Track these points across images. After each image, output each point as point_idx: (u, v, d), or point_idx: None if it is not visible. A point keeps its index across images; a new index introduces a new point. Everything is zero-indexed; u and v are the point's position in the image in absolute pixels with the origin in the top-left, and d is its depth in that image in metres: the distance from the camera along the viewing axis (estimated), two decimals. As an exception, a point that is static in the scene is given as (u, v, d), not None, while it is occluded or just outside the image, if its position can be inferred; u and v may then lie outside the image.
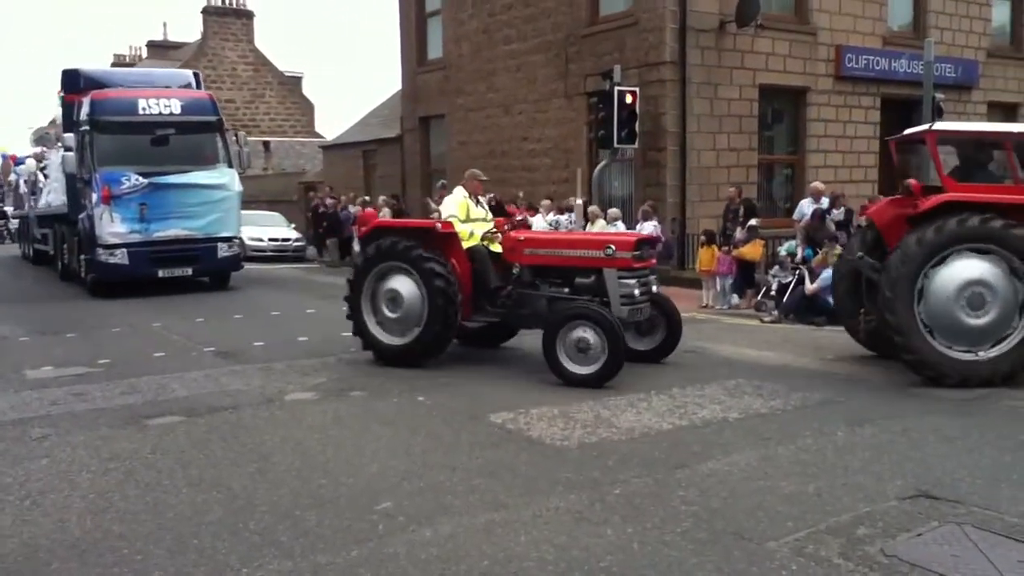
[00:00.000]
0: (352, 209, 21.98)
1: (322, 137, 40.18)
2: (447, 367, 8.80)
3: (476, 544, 4.27)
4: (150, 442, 6.15)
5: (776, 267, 12.81)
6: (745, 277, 13.20)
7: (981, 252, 7.88)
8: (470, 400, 7.34)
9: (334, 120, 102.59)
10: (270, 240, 24.40)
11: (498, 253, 8.95)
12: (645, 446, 5.95)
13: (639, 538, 4.33)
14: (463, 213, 9.16)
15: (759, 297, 12.89)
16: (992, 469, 5.35)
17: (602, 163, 15.90)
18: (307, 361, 9.10)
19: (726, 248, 13.37)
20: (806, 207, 14.02)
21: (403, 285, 8.68)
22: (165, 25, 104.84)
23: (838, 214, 13.54)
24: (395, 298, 8.72)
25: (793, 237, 13.50)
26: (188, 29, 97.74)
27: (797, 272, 12.22)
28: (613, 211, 14.82)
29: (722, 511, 4.69)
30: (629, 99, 14.89)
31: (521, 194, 17.55)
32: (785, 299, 12.02)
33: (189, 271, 15.91)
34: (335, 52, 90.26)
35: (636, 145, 15.19)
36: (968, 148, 9.17)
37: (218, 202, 15.75)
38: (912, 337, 7.90)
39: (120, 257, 15.06)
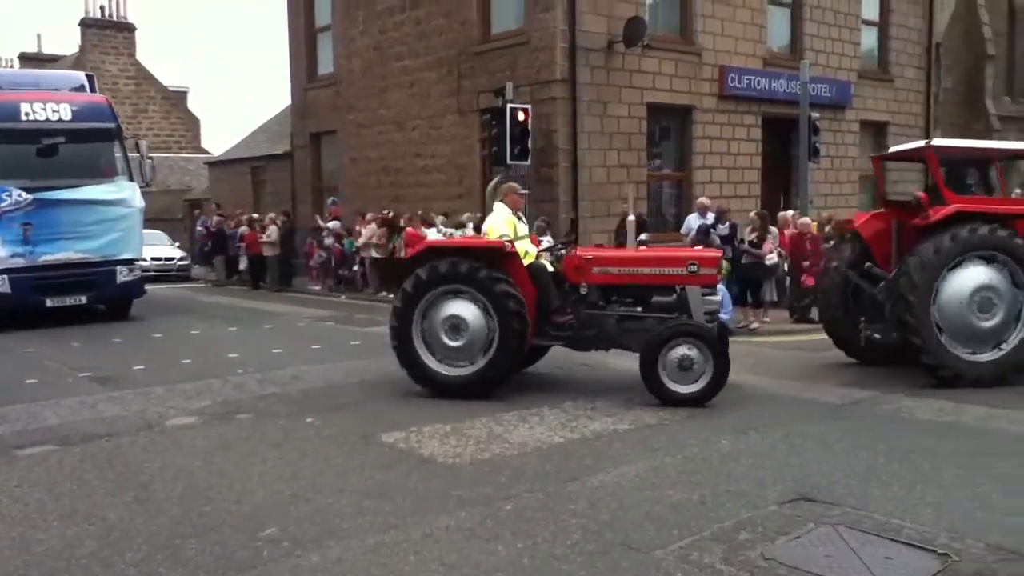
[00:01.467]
0: (241, 229, 21.47)
1: (208, 153, 39.10)
2: (339, 387, 8.65)
3: (364, 566, 4.19)
4: (17, 474, 5.81)
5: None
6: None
7: (987, 259, 8.48)
8: (362, 420, 7.21)
9: (221, 136, 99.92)
10: (152, 259, 23.53)
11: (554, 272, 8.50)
12: (537, 460, 5.97)
13: (529, 553, 4.33)
14: (512, 231, 8.53)
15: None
16: (865, 471, 5.59)
17: (495, 180, 15.97)
18: (190, 384, 8.79)
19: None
20: (693, 222, 14.45)
21: (465, 310, 7.91)
22: (39, 37, 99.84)
23: (723, 228, 13.96)
24: (457, 325, 7.91)
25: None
26: (65, 42, 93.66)
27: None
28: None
29: (611, 522, 4.74)
30: (521, 116, 15.04)
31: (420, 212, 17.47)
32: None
33: (83, 299, 14.03)
34: (222, 66, 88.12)
35: (529, 162, 15.34)
36: (960, 163, 9.77)
37: (117, 220, 14.12)
38: (930, 340, 8.34)
39: (0, 285, 13.36)
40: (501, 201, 8.85)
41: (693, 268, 8.10)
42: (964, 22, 26.96)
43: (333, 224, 19.86)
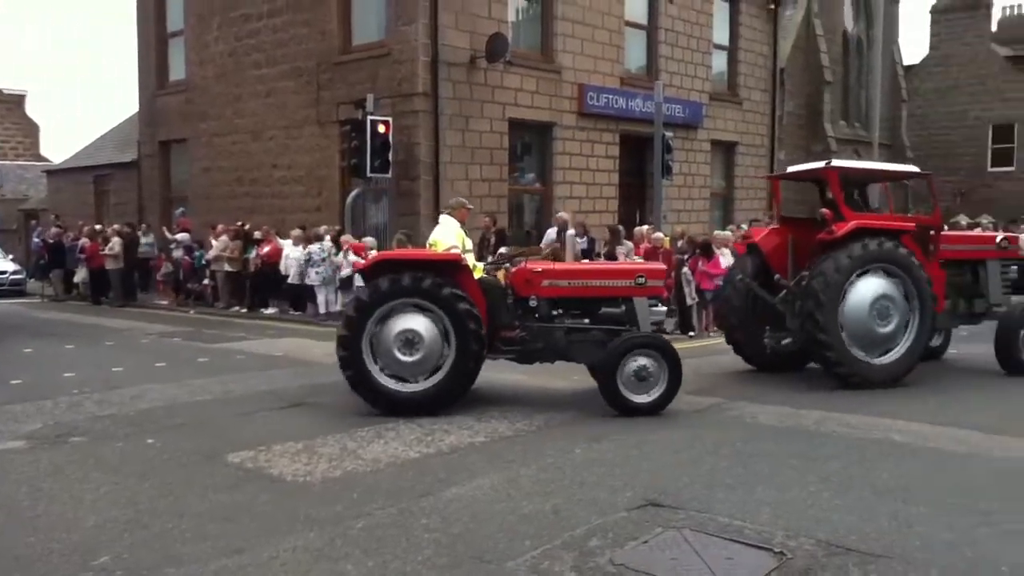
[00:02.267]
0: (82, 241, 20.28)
1: (48, 161, 36.86)
2: (184, 406, 8.25)
3: (202, 593, 3.98)
4: None
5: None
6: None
7: (884, 271, 9.20)
8: (207, 440, 6.90)
9: (63, 143, 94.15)
10: (-18, 273, 21.99)
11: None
12: (391, 476, 5.87)
13: (380, 571, 4.23)
14: (461, 244, 8.47)
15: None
16: (710, 475, 5.79)
17: (354, 192, 15.75)
18: (19, 406, 8.17)
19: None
20: (552, 236, 14.66)
21: (419, 324, 7.69)
22: None
23: (582, 242, 14.27)
24: (412, 340, 7.66)
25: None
26: None
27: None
28: (368, 240, 14.71)
29: (464, 535, 4.70)
30: (382, 129, 14.88)
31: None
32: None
33: None
34: (66, 70, 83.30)
35: (390, 175, 15.19)
36: (854, 182, 10.39)
37: None
38: (836, 342, 8.94)
39: None
40: (449, 215, 8.82)
41: (641, 280, 8.28)
42: (805, 50, 28.64)
43: (182, 236, 19.05)
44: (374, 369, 7.74)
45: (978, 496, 5.34)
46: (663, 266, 9.55)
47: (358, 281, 14.31)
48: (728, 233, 15.60)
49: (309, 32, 17.71)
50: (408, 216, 15.77)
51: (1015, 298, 10.76)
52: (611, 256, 13.08)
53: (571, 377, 9.61)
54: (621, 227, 14.49)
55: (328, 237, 15.39)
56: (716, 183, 23.17)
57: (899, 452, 6.48)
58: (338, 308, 15.14)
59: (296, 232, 15.96)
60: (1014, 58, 39.54)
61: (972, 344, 11.38)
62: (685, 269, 13.73)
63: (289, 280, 15.88)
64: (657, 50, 20.58)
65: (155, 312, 18.05)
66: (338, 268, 14.93)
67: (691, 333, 13.67)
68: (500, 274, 8.58)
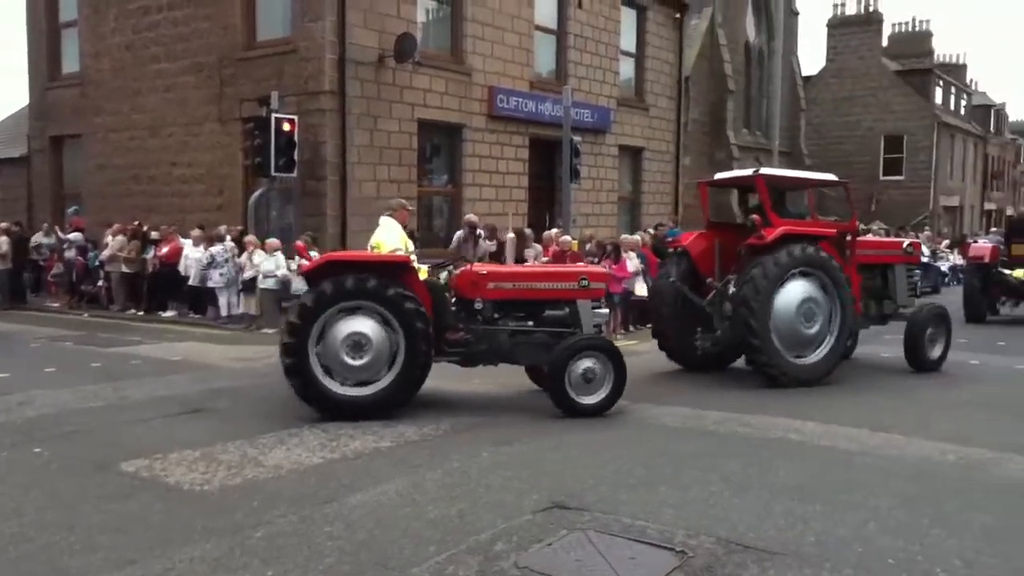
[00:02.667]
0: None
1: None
2: (75, 412, 7.89)
3: (89, 610, 3.80)
4: None
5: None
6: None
7: (809, 275, 9.64)
8: (99, 448, 6.62)
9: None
10: None
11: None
12: (293, 483, 5.75)
13: (279, 581, 4.12)
14: (404, 246, 8.38)
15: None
16: (614, 476, 5.85)
17: (258, 191, 15.38)
18: None
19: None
20: (461, 237, 14.63)
21: (367, 327, 7.54)
22: None
23: (491, 245, 14.29)
24: (360, 343, 7.51)
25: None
26: None
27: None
28: (272, 241, 14.38)
29: (368, 542, 4.64)
30: (287, 127, 14.57)
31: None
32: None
33: None
34: (-47, 59, 78.89)
35: (295, 174, 14.90)
36: (779, 190, 10.70)
37: None
38: (767, 343, 9.31)
39: None
40: (390, 216, 8.72)
41: (584, 283, 8.39)
42: (709, 59, 29.42)
43: (74, 236, 18.25)
44: (320, 373, 7.56)
45: (868, 493, 5.54)
46: (605, 269, 9.82)
47: (263, 283, 14.04)
48: (636, 237, 15.85)
49: (211, 26, 17.21)
50: (314, 216, 15.50)
51: (918, 300, 11.56)
52: (519, 259, 13.13)
53: (472, 381, 9.56)
54: (529, 230, 14.54)
55: (229, 237, 14.98)
56: (624, 187, 23.55)
57: (795, 451, 6.69)
58: (240, 311, 14.77)
59: (197, 232, 15.48)
60: (903, 72, 41.57)
61: (873, 345, 11.83)
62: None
63: (190, 282, 15.39)
64: (566, 55, 20.79)
65: (46, 315, 17.20)
66: (241, 270, 14.55)
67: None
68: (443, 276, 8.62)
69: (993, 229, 33.51)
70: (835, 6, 42.23)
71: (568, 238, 14.48)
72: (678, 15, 25.16)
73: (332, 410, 7.59)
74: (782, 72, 29.81)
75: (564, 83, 19.03)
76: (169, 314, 16.09)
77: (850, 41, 41.67)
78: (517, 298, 8.32)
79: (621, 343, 11.80)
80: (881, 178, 38.86)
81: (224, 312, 14.87)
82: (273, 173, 14.47)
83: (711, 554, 4.46)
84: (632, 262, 13.73)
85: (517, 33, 19.18)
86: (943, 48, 59.64)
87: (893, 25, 45.91)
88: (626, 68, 23.53)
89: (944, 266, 25.31)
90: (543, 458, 6.38)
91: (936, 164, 40.58)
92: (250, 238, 14.54)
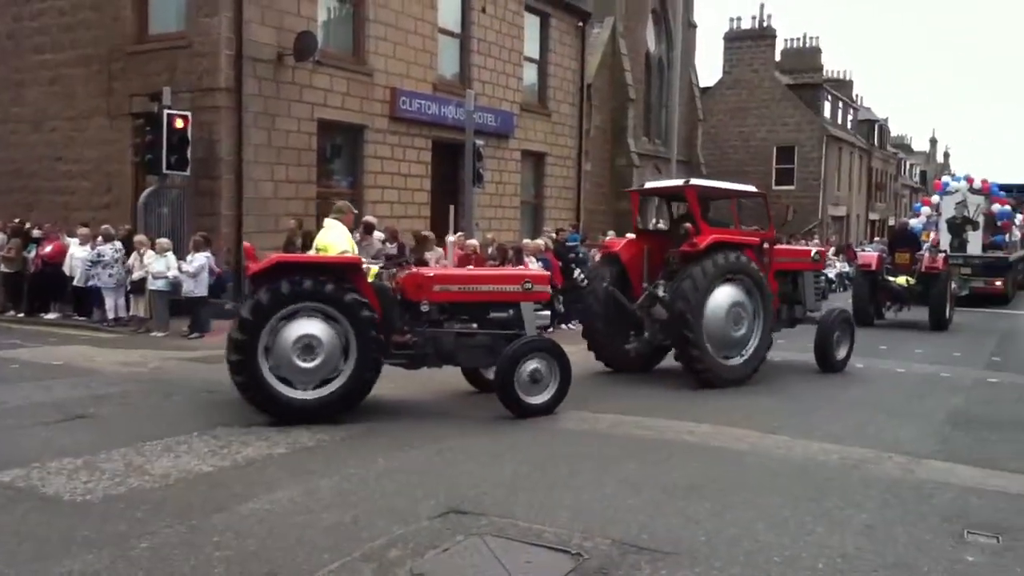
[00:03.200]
0: None
1: None
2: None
3: (-49, 632, 3.56)
4: None
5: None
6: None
7: (736, 281, 10.10)
8: (-31, 458, 6.23)
9: None
10: None
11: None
12: (181, 492, 5.54)
13: (162, 594, 3.96)
14: (352, 248, 8.34)
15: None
16: (511, 480, 5.86)
17: (148, 190, 14.82)
18: None
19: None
20: (357, 238, 14.39)
21: (318, 329, 7.42)
22: None
23: (391, 248, 14.12)
24: (310, 345, 7.38)
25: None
26: None
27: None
28: (163, 241, 13.88)
29: (259, 552, 4.50)
30: (180, 124, 14.12)
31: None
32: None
33: None
34: None
35: (188, 172, 14.43)
36: (708, 200, 11.19)
37: None
38: (701, 346, 9.73)
39: None
40: (337, 219, 8.62)
41: (528, 286, 8.54)
42: (610, 68, 29.93)
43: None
44: (269, 375, 7.42)
45: (756, 492, 5.72)
46: (548, 272, 10.20)
47: (153, 285, 13.51)
48: (540, 241, 15.96)
49: (100, 17, 16.52)
50: (208, 216, 15.05)
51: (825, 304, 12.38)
52: (421, 263, 13.00)
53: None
54: (430, 233, 14.45)
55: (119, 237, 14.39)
56: (526, 192, 23.71)
57: (689, 452, 6.84)
58: (129, 314, 14.20)
59: (83, 231, 14.81)
60: (794, 86, 43.26)
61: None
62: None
63: (75, 282, 14.70)
64: (470, 59, 20.82)
65: (-86, 317, 16.16)
66: (130, 271, 13.98)
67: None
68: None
69: (877, 239, 35.20)
70: (731, 20, 43.74)
71: (473, 241, 14.49)
72: (580, 23, 25.53)
73: (276, 411, 7.47)
74: (680, 82, 30.59)
75: (467, 87, 19.05)
76: (52, 316, 15.33)
77: (745, 55, 43.16)
78: (462, 300, 8.36)
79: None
80: (773, 187, 40.28)
81: (111, 315, 14.26)
82: (165, 171, 14.00)
83: (606, 556, 4.50)
84: (534, 266, 13.80)
85: (420, 35, 19.10)
86: (831, 64, 62.42)
87: (785, 41, 47.83)
88: (529, 74, 23.74)
89: (831, 273, 26.39)
90: (440, 463, 6.33)
91: (825, 175, 42.38)
92: (140, 238, 14.00)
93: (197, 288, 13.21)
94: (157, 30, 16.25)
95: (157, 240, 13.87)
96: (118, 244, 14.25)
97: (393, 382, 9.07)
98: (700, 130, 37.83)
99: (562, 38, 24.77)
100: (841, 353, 11.50)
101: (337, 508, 5.22)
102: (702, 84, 40.23)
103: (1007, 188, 27.25)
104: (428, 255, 13.55)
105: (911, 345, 14.37)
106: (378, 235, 14.22)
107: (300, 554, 4.47)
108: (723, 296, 9.98)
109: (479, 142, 17.05)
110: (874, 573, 4.40)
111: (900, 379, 11.21)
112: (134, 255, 13.93)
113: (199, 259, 13.15)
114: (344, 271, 7.78)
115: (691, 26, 36.71)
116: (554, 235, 17.93)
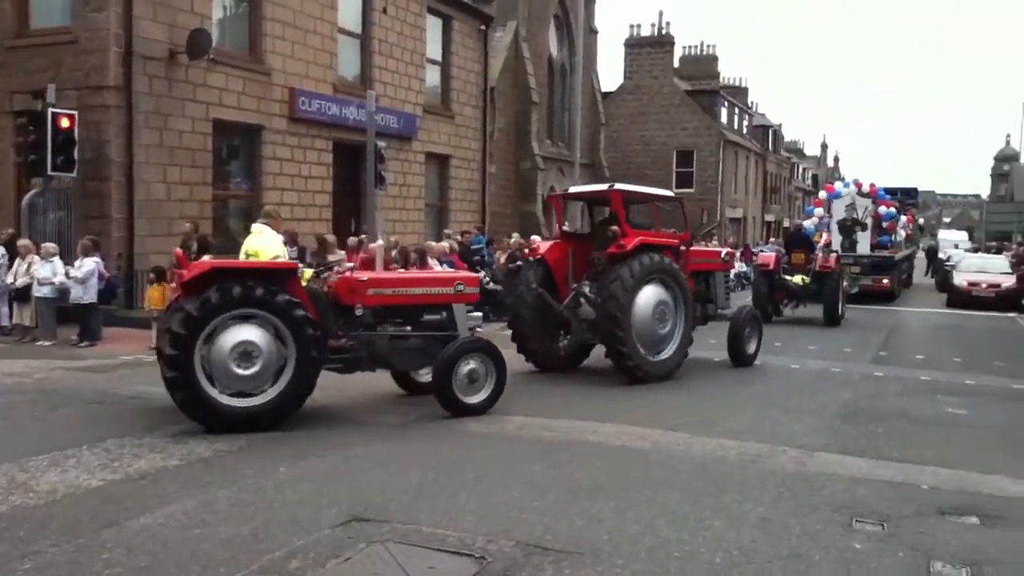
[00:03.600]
0: None
1: None
2: None
3: None
4: None
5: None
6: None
7: (661, 281, 10.58)
8: None
9: None
10: None
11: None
12: (68, 508, 5.28)
13: (45, 617, 3.75)
14: (284, 253, 8.29)
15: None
16: (416, 486, 5.80)
17: (32, 192, 14.11)
18: None
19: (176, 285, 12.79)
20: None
21: (255, 335, 7.31)
22: None
23: (291, 252, 13.83)
24: (250, 352, 7.26)
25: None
26: None
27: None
28: (49, 245, 13.22)
29: (151, 567, 4.34)
30: (66, 123, 13.47)
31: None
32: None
33: None
34: None
35: (75, 174, 13.79)
36: (629, 204, 11.52)
37: None
38: (631, 345, 10.10)
39: None
40: (266, 224, 8.44)
41: (460, 288, 8.72)
42: (513, 71, 30.07)
43: None
44: (208, 387, 7.24)
45: (658, 489, 5.82)
46: (477, 275, 10.64)
47: (38, 291, 12.86)
48: (444, 244, 15.89)
49: (-23, 9, 15.66)
50: (96, 219, 14.44)
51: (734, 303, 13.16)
52: (322, 266, 12.75)
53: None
54: (332, 236, 14.21)
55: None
56: (431, 194, 23.61)
57: (593, 452, 6.91)
58: (12, 323, 13.48)
59: (-41, 235, 13.99)
60: (692, 92, 44.41)
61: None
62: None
63: (-50, 290, 13.86)
64: (371, 60, 20.61)
65: None
66: (15, 277, 13.26)
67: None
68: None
69: (772, 239, 36.44)
70: (631, 27, 44.51)
71: (380, 243, 14.30)
72: (483, 27, 25.60)
73: (219, 423, 7.26)
74: (583, 87, 31.02)
75: (369, 88, 18.80)
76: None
77: (645, 61, 44.05)
78: (396, 303, 8.46)
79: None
80: (674, 190, 41.26)
81: (-10, 324, 13.51)
82: (50, 172, 13.34)
83: (510, 558, 4.50)
84: (439, 269, 13.73)
85: (320, 35, 18.79)
86: (728, 71, 64.27)
87: (684, 48, 49.04)
88: (432, 76, 23.65)
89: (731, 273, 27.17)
90: (342, 470, 6.22)
91: (722, 178, 43.62)
92: (24, 242, 13.31)
93: (86, 294, 12.64)
94: (40, 24, 15.51)
95: (43, 244, 13.19)
96: (0, 249, 13.52)
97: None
98: (603, 134, 38.42)
99: (465, 41, 24.77)
100: (751, 348, 12.15)
101: (235, 520, 5.06)
102: (604, 89, 40.86)
103: (892, 191, 28.78)
104: (331, 259, 13.29)
105: (805, 342, 14.92)
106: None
107: (195, 569, 4.32)
108: (649, 295, 10.41)
109: (381, 144, 16.81)
110: (769, 565, 4.53)
111: (794, 375, 11.62)
112: (18, 260, 13.23)
113: (88, 264, 12.60)
114: (279, 276, 7.66)
115: (592, 32, 37.24)
116: (459, 237, 17.89)
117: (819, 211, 26.29)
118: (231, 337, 7.28)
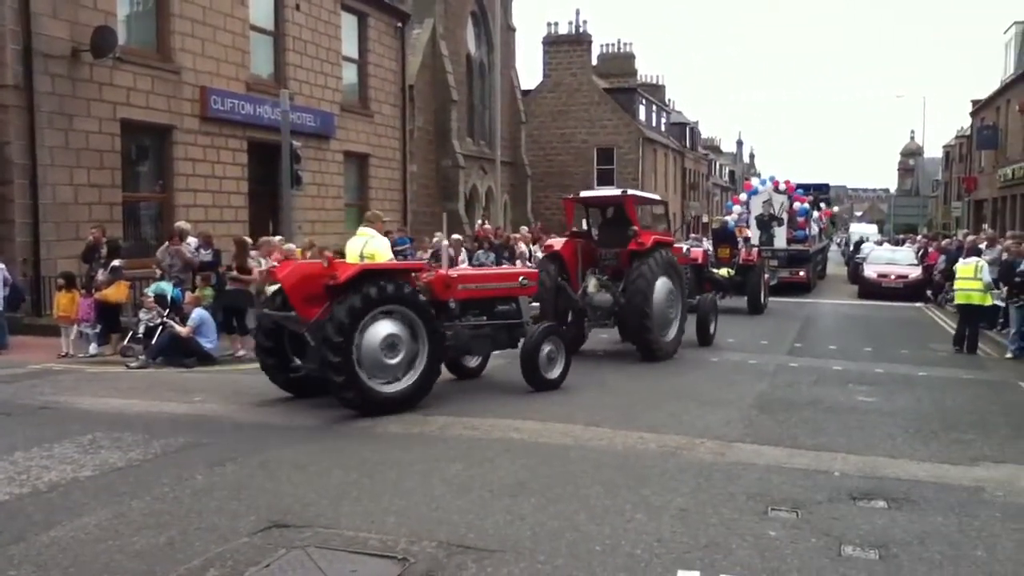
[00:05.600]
0: None
1: None
2: None
3: None
4: None
5: (143, 309, 12.20)
6: (109, 321, 12.33)
7: (666, 273, 12.16)
8: None
9: None
10: None
11: None
12: (-29, 526, 5.05)
13: (-54, 642, 3.59)
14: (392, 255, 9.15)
15: (125, 342, 12.16)
16: (337, 489, 5.73)
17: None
18: None
19: (86, 291, 12.38)
20: (164, 248, 13.66)
21: (396, 329, 8.26)
22: None
23: (207, 254, 13.52)
24: (394, 343, 8.22)
25: (161, 278, 13.04)
26: None
27: (168, 313, 11.86)
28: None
29: (61, 585, 4.17)
30: (-36, 124, 12.89)
31: None
32: (154, 342, 11.53)
33: None
34: None
35: (-26, 177, 13.21)
36: (642, 208, 13.06)
37: None
38: (655, 324, 11.88)
39: None
40: (373, 227, 9.12)
41: (524, 281, 10.11)
42: (432, 69, 29.88)
43: None
44: (362, 373, 8.01)
45: (579, 484, 5.88)
46: (536, 269, 11.85)
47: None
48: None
49: None
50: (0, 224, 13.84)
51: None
52: (243, 269, 12.48)
53: (192, 400, 9.06)
54: (249, 239, 13.90)
55: None
56: (351, 194, 23.34)
57: (516, 449, 6.94)
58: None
59: None
60: (611, 90, 44.91)
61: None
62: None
63: None
64: (285, 57, 20.26)
65: None
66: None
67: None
68: None
69: (693, 235, 37.21)
70: (549, 25, 44.74)
71: (292, 246, 14.08)
72: (399, 24, 25.43)
73: (369, 405, 8.05)
74: (502, 84, 31.08)
75: (283, 86, 18.50)
76: None
77: (563, 59, 44.32)
78: (479, 297, 9.61)
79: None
80: (595, 188, 41.65)
81: None
82: (-53, 175, 12.73)
83: (432, 558, 4.49)
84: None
85: (231, 32, 18.38)
86: (645, 69, 65.20)
87: (601, 46, 49.53)
88: (349, 74, 23.38)
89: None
90: (261, 477, 6.10)
91: (642, 175, 44.24)
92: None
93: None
94: (-69, 20, 14.75)
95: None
96: None
97: (216, 394, 8.71)
98: (523, 132, 38.56)
99: (381, 38, 24.56)
100: (712, 329, 14.16)
101: (150, 530, 4.93)
102: (524, 87, 41.01)
103: (805, 187, 29.76)
104: (250, 261, 13.00)
105: (724, 335, 15.25)
106: (192, 241, 13.59)
107: (108, 583, 4.19)
108: (661, 285, 11.97)
109: (297, 143, 16.56)
110: (687, 555, 4.63)
111: (713, 367, 11.88)
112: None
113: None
114: (407, 275, 8.72)
115: (510, 29, 37.35)
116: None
117: (737, 208, 27.02)
118: (380, 330, 8.13)
